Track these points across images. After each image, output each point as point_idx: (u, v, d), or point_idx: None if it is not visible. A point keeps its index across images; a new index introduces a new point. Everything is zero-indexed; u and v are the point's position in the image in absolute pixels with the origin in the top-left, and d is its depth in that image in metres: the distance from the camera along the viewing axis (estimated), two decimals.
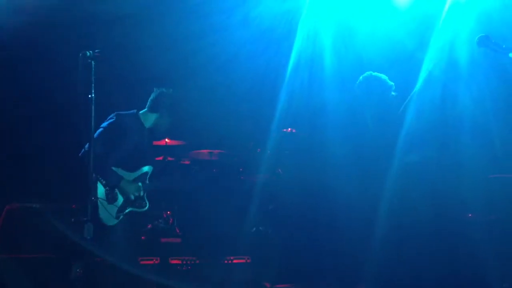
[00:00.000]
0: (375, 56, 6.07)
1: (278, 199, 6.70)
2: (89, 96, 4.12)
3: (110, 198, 4.73)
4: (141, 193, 4.85)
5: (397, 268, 4.81)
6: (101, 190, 4.71)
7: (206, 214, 6.68)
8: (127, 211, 4.80)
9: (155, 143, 7.06)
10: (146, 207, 4.91)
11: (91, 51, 4.11)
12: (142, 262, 6.06)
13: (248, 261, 6.23)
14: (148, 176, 4.96)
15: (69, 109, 5.06)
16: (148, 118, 5.01)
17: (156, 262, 6.18)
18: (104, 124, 4.82)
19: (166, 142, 7.16)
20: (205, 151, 7.32)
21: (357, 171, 4.95)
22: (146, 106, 5.05)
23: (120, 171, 4.78)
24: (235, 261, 6.21)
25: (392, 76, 5.14)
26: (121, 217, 4.76)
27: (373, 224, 4.89)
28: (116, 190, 4.74)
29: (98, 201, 4.61)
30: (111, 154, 4.74)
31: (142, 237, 6.63)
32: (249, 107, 7.07)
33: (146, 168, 4.94)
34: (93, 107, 4.14)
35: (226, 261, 6.16)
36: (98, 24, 6.07)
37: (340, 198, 5.14)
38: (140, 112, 5.03)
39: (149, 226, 6.74)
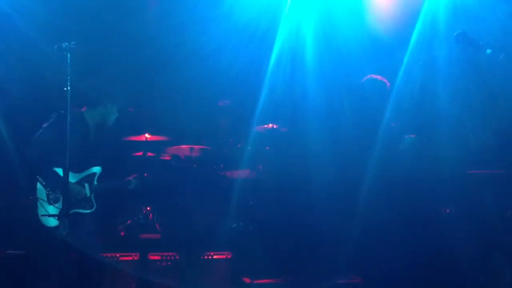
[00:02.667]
0: (355, 51, 6.08)
1: (258, 195, 6.69)
2: (65, 89, 4.08)
3: (51, 199, 4.62)
4: (87, 194, 4.76)
5: (378, 259, 4.85)
6: (41, 191, 4.62)
7: (186, 210, 6.64)
8: (70, 212, 4.58)
9: (134, 138, 7.05)
10: (93, 209, 4.80)
11: (66, 43, 4.07)
12: (121, 258, 6.03)
13: (228, 257, 6.23)
14: (96, 177, 4.85)
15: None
16: (93, 116, 4.89)
17: (136, 258, 6.14)
18: (45, 124, 4.70)
19: (146, 137, 7.10)
20: (185, 146, 7.28)
21: (337, 165, 4.98)
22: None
23: (64, 172, 4.65)
24: (215, 256, 6.20)
25: (371, 72, 5.16)
26: (64, 218, 4.59)
27: (353, 217, 4.92)
28: (58, 191, 4.61)
29: (38, 202, 4.54)
30: (53, 154, 4.57)
31: (122, 233, 6.59)
32: (230, 102, 7.04)
33: (94, 169, 4.83)
34: (68, 100, 4.11)
35: (206, 257, 6.15)
36: (78, 16, 5.97)
37: (319, 192, 5.15)
38: (84, 110, 4.88)
39: (129, 221, 6.70)
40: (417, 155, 5.06)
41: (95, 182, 4.83)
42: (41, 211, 4.57)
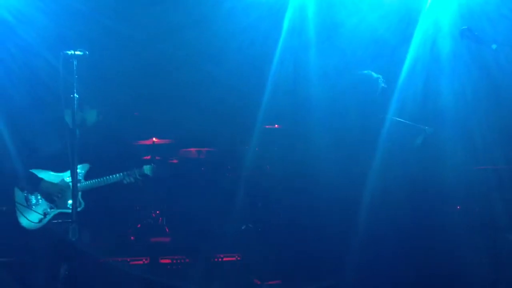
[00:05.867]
0: (358, 50, 6.07)
1: (266, 196, 6.69)
2: (71, 96, 4.12)
3: (31, 202, 4.60)
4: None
5: (384, 261, 4.84)
6: (19, 194, 4.59)
7: (195, 212, 6.66)
8: (54, 213, 4.63)
9: (143, 142, 7.09)
10: (80, 207, 4.69)
11: (72, 51, 4.11)
12: (132, 262, 6.06)
13: (238, 258, 6.24)
14: (83, 175, 4.79)
15: None
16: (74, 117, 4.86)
17: (146, 261, 6.17)
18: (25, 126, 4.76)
19: (153, 141, 7.14)
20: (193, 149, 7.30)
21: (343, 164, 4.97)
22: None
23: (43, 173, 4.66)
24: (225, 259, 6.21)
25: (375, 70, 5.15)
26: (47, 219, 4.61)
27: (360, 218, 4.91)
28: (37, 193, 4.60)
29: (16, 207, 4.50)
30: (31, 156, 4.60)
31: (132, 237, 6.62)
32: (235, 103, 7.03)
33: (79, 168, 4.69)
34: (76, 107, 4.15)
35: (216, 259, 6.16)
36: (81, 19, 6.00)
37: (326, 192, 5.15)
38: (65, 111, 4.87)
39: (139, 225, 6.73)
40: (422, 156, 5.04)
41: (82, 180, 4.77)
42: (20, 216, 4.54)
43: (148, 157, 7.04)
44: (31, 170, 4.62)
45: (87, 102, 4.87)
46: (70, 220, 4.12)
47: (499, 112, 5.50)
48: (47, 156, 4.69)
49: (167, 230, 6.86)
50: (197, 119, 7.04)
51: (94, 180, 4.79)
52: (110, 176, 4.80)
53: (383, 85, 5.03)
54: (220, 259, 6.15)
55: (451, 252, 5.10)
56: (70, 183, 4.66)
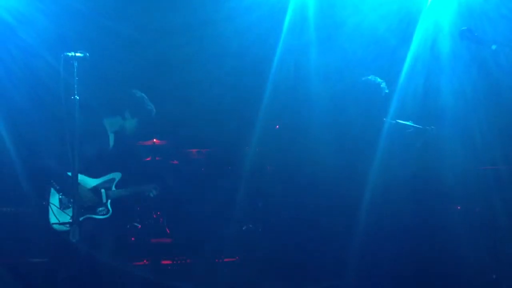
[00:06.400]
0: (359, 50, 6.07)
1: (267, 196, 6.69)
2: (72, 97, 4.12)
3: (64, 204, 4.64)
4: (103, 200, 4.77)
5: (385, 261, 4.84)
6: (54, 195, 4.63)
7: (196, 213, 6.66)
8: (82, 218, 4.66)
9: (143, 143, 7.09)
10: (108, 215, 4.78)
11: (73, 52, 4.11)
12: (133, 264, 6.06)
13: (239, 259, 6.24)
14: (115, 183, 4.86)
15: None
16: (112, 123, 4.92)
17: (147, 262, 6.17)
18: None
19: (154, 142, 7.14)
20: (193, 150, 7.31)
21: (343, 165, 4.97)
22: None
23: (79, 177, 4.62)
24: (225, 259, 6.21)
25: (376, 70, 5.16)
26: (76, 223, 4.59)
27: (361, 218, 4.92)
28: (70, 196, 4.59)
29: (50, 207, 4.54)
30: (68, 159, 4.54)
31: (132, 238, 6.63)
32: (235, 103, 7.03)
33: (112, 175, 4.84)
34: (77, 109, 4.15)
35: (216, 260, 6.16)
36: (81, 20, 6.00)
37: (328, 191, 5.15)
38: (104, 117, 4.93)
39: (139, 227, 6.73)
40: (422, 156, 5.04)
41: (113, 188, 4.84)
42: (52, 217, 4.58)
43: (149, 158, 7.06)
44: (68, 173, 4.59)
45: (129, 110, 4.88)
46: (71, 221, 4.12)
47: (499, 112, 5.50)
48: (85, 160, 4.67)
49: (168, 231, 6.86)
50: (198, 119, 7.05)
51: (123, 189, 4.88)
52: (139, 187, 4.96)
53: (386, 91, 5.05)
54: (220, 260, 6.17)
55: (452, 252, 5.10)
56: (102, 190, 4.79)
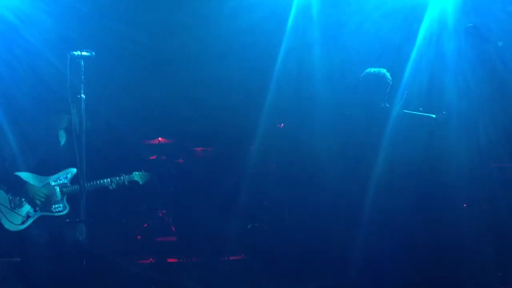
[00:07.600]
0: (362, 48, 6.08)
1: (272, 195, 6.70)
2: (78, 96, 4.14)
3: (14, 204, 4.59)
4: (58, 197, 4.70)
5: (389, 260, 4.85)
6: (3, 196, 4.57)
7: (201, 212, 6.68)
8: (36, 216, 4.62)
9: (149, 142, 7.11)
10: (65, 211, 4.72)
11: (79, 51, 4.13)
12: (138, 262, 6.08)
13: (244, 258, 6.25)
14: (69, 179, 4.76)
15: None
16: (61, 120, 4.84)
17: (153, 261, 6.19)
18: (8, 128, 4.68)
19: (159, 141, 7.16)
20: (198, 148, 7.33)
21: (347, 164, 4.97)
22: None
23: (28, 176, 4.64)
24: (231, 258, 6.23)
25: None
26: (30, 221, 4.59)
27: (365, 217, 4.92)
28: (21, 196, 4.59)
29: None
30: (16, 159, 4.58)
31: (138, 237, 6.65)
32: (239, 102, 7.04)
33: (66, 171, 4.75)
34: (83, 107, 4.17)
35: (222, 258, 6.18)
36: (84, 21, 6.02)
37: (330, 190, 5.15)
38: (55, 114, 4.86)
39: (145, 225, 6.75)
40: (427, 155, 5.04)
41: (68, 184, 4.76)
42: (2, 218, 4.53)
43: (154, 157, 7.07)
44: (16, 173, 4.60)
45: (75, 105, 4.60)
46: (78, 219, 4.14)
47: (505, 109, 5.49)
48: (34, 159, 4.67)
49: (173, 229, 6.88)
50: (202, 118, 7.06)
51: (78, 185, 4.67)
52: (97, 182, 4.79)
53: (390, 79, 5.05)
54: (226, 258, 6.18)
55: (458, 250, 5.10)
56: (56, 187, 4.71)
